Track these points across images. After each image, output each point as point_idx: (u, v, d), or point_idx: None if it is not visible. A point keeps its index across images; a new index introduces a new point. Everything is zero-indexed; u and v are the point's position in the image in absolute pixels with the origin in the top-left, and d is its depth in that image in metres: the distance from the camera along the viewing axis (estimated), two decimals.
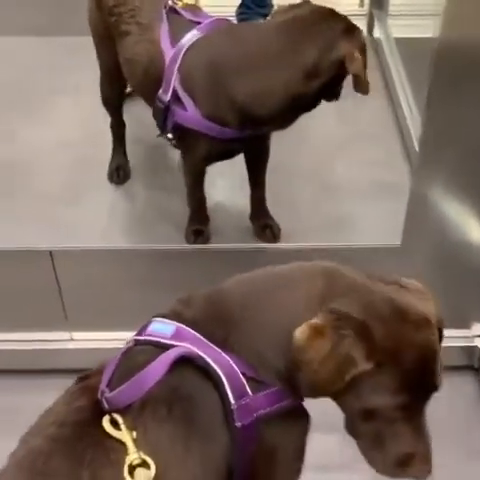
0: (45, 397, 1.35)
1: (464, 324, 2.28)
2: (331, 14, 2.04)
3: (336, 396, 1.27)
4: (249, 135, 2.14)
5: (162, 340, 1.29)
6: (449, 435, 1.96)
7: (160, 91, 2.11)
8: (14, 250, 2.23)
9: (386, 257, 2.14)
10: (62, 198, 2.71)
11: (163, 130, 2.22)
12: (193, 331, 1.29)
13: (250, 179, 2.48)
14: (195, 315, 1.32)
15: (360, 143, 2.95)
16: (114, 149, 2.81)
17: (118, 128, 2.75)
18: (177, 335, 1.29)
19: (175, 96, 2.10)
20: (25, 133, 2.98)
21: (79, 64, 3.30)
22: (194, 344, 1.27)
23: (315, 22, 2.02)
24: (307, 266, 1.34)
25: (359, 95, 2.07)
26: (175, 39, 2.11)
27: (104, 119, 2.76)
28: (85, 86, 3.01)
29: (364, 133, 3.01)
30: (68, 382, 1.36)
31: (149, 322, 1.34)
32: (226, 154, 2.25)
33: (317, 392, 1.26)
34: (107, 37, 2.36)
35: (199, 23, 2.14)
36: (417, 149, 2.30)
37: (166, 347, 1.28)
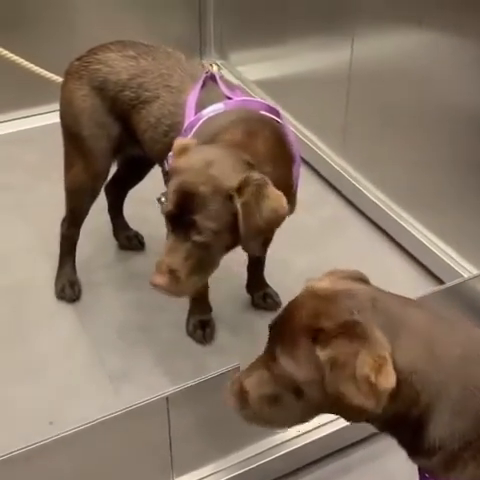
0: None
1: None
2: None
3: None
4: None
5: None
6: None
7: (171, 153, 1.98)
8: None
9: None
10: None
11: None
12: None
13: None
14: None
15: None
16: (63, 260, 2.58)
17: (76, 235, 2.55)
18: None
19: None
20: None
21: None
22: None
23: None
24: None
25: None
26: (200, 107, 2.04)
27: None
28: None
29: None
30: None
31: None
32: None
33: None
34: (109, 122, 2.27)
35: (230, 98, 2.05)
36: None
37: None
